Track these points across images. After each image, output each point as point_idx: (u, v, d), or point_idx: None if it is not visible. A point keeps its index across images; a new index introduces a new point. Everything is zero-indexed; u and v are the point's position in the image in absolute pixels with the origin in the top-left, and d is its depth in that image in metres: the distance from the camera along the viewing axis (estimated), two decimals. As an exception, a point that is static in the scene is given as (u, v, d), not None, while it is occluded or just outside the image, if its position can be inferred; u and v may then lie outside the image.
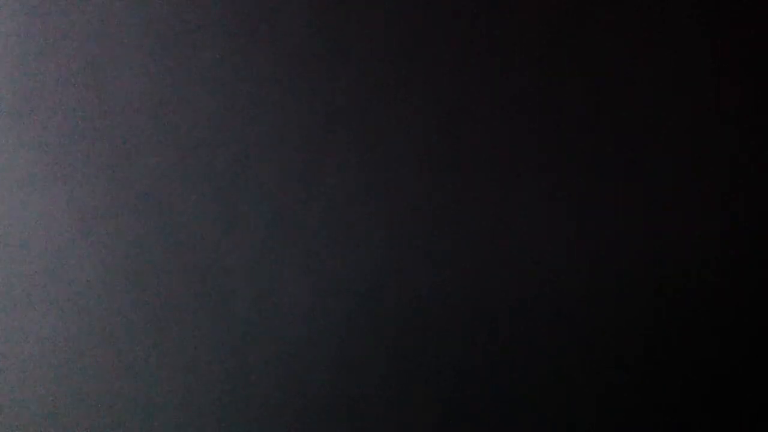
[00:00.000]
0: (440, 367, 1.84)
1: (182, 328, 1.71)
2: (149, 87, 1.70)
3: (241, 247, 1.74)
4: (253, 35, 1.75)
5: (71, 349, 1.66)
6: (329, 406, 1.79)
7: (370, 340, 1.81)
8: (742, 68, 1.97)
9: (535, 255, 1.88)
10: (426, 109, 1.83)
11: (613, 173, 1.91)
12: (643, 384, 1.93)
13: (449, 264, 1.84)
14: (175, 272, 1.71)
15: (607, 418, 1.91)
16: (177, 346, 1.71)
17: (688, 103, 1.95)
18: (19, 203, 1.64)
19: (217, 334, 1.73)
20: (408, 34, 1.83)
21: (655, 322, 1.93)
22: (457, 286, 1.84)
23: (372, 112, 1.80)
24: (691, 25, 1.95)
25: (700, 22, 1.96)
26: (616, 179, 1.91)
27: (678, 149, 1.94)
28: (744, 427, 1.97)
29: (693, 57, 1.95)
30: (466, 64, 1.85)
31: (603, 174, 1.91)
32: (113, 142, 1.68)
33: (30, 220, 1.64)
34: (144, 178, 1.70)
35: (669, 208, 1.94)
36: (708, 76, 1.96)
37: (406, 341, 1.82)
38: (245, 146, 1.75)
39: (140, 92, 1.69)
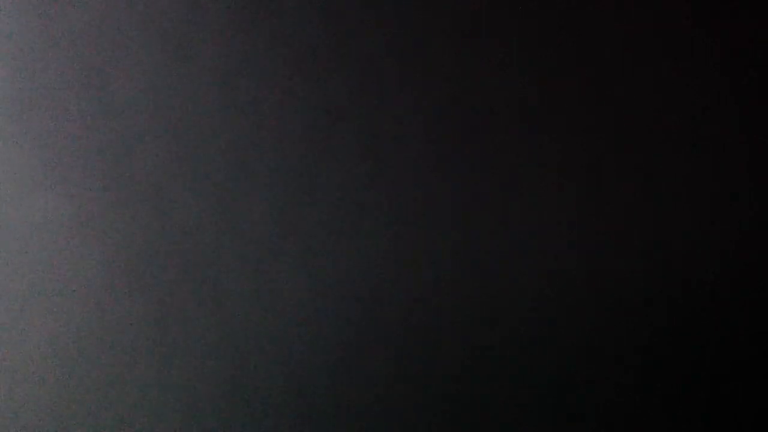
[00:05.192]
0: (440, 368, 1.84)
1: (182, 328, 1.71)
2: (149, 87, 1.70)
3: (242, 246, 1.75)
4: (253, 35, 1.76)
5: (71, 348, 1.66)
6: (329, 405, 1.79)
7: (369, 340, 1.81)
8: (742, 68, 1.98)
9: (538, 255, 1.88)
10: (427, 109, 1.83)
11: (616, 174, 1.92)
12: (645, 385, 1.93)
13: (449, 264, 1.84)
14: (175, 272, 1.71)
15: (609, 419, 1.91)
16: (177, 346, 1.71)
17: (689, 104, 1.95)
18: (19, 203, 1.64)
19: (217, 334, 1.73)
20: (408, 34, 1.83)
21: (657, 323, 1.94)
22: (457, 286, 1.84)
23: (372, 112, 1.81)
24: (692, 26, 1.96)
25: (701, 23, 1.96)
26: (618, 180, 1.92)
27: (679, 150, 1.95)
28: (744, 427, 1.97)
29: (694, 57, 1.95)
30: (467, 64, 1.86)
31: (605, 174, 1.91)
32: (113, 143, 1.68)
33: (30, 220, 1.64)
34: (144, 178, 1.70)
35: (671, 209, 1.94)
36: (709, 77, 1.96)
37: (406, 341, 1.82)
38: (245, 146, 1.75)
39: (140, 92, 1.70)
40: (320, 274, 1.78)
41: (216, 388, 1.73)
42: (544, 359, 1.88)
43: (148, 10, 1.70)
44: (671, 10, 1.94)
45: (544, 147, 1.88)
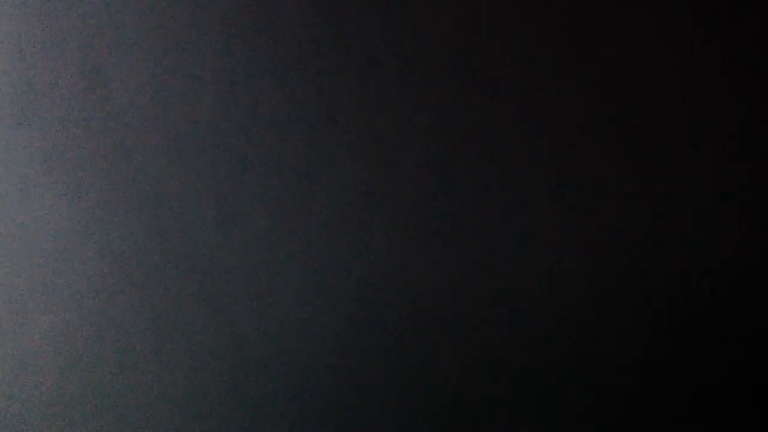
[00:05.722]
0: (440, 368, 1.84)
1: (182, 328, 1.71)
2: (149, 87, 1.70)
3: (241, 247, 1.74)
4: (253, 35, 1.75)
5: (71, 348, 1.66)
6: (329, 405, 1.79)
7: (369, 342, 1.80)
8: (742, 68, 1.97)
9: (538, 255, 1.88)
10: (426, 110, 1.83)
11: (616, 174, 1.91)
12: (645, 385, 1.93)
13: (449, 265, 1.84)
14: (174, 272, 1.71)
15: (609, 419, 1.91)
16: (176, 346, 1.71)
17: (689, 104, 1.95)
18: (19, 203, 1.63)
19: (216, 335, 1.73)
20: (408, 34, 1.83)
21: (657, 323, 1.93)
22: (457, 287, 1.84)
23: (372, 112, 1.80)
24: (692, 26, 1.95)
25: (701, 23, 1.96)
26: (618, 180, 1.91)
27: (679, 150, 1.94)
28: (744, 427, 1.97)
29: (694, 57, 1.95)
30: (467, 64, 1.85)
31: (605, 174, 1.91)
32: (114, 143, 1.68)
33: (30, 220, 1.64)
34: (144, 178, 1.70)
35: (671, 209, 1.94)
36: (709, 77, 1.96)
37: (406, 342, 1.82)
38: (245, 146, 1.75)
39: (140, 92, 1.69)
40: (320, 274, 1.78)
41: (216, 388, 1.73)
42: (544, 359, 1.88)
43: (148, 10, 1.70)
44: (671, 10, 1.94)
45: (544, 147, 1.88)
